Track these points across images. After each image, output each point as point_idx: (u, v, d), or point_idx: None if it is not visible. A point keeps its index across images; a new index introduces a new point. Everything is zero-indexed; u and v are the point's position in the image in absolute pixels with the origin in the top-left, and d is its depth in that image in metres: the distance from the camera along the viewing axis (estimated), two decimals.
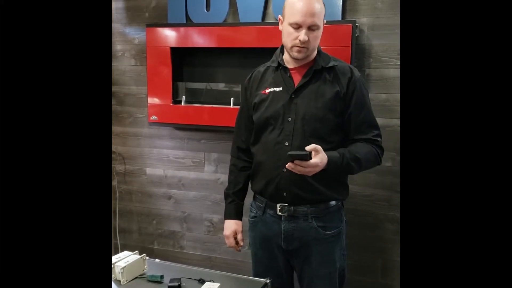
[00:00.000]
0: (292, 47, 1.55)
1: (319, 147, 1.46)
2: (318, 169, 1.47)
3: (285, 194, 1.60)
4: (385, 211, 2.22)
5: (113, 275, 1.44)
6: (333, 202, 1.64)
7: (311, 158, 1.43)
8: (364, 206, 2.24)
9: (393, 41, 2.08)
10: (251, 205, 1.76)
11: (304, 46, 1.53)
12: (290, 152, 1.45)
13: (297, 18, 1.51)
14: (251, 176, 1.74)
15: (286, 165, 1.45)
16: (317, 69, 1.59)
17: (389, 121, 2.12)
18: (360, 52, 2.13)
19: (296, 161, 1.43)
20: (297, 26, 1.52)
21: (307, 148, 1.44)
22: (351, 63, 1.96)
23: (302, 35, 1.50)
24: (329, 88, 1.58)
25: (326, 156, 1.49)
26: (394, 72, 2.11)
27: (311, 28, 1.52)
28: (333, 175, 1.59)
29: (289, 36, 1.55)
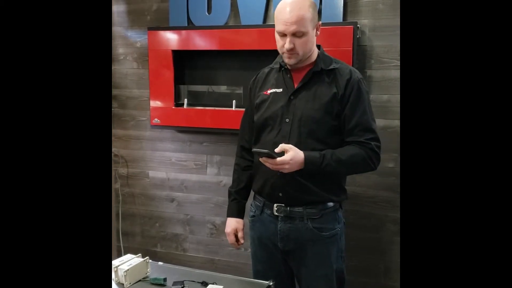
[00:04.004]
0: (283, 53, 1.59)
1: (288, 147, 1.50)
2: (288, 167, 1.50)
3: (280, 194, 1.61)
4: (387, 212, 2.22)
5: (116, 278, 1.44)
6: (330, 204, 1.63)
7: (277, 157, 1.48)
8: (366, 207, 2.25)
9: (394, 42, 2.09)
10: (251, 205, 1.77)
11: (292, 52, 1.55)
12: (253, 150, 1.55)
13: (280, 27, 1.54)
14: (252, 176, 1.76)
15: (259, 159, 1.53)
16: (316, 71, 1.60)
17: (390, 122, 2.12)
18: (361, 54, 2.13)
19: (263, 158, 1.50)
20: (282, 34, 1.55)
21: (277, 149, 1.50)
22: (352, 65, 1.96)
23: (287, 43, 1.53)
24: (327, 90, 1.59)
25: (301, 155, 1.51)
26: (395, 73, 2.11)
27: (295, 35, 1.53)
28: (324, 176, 1.59)
29: (278, 43, 1.59)
